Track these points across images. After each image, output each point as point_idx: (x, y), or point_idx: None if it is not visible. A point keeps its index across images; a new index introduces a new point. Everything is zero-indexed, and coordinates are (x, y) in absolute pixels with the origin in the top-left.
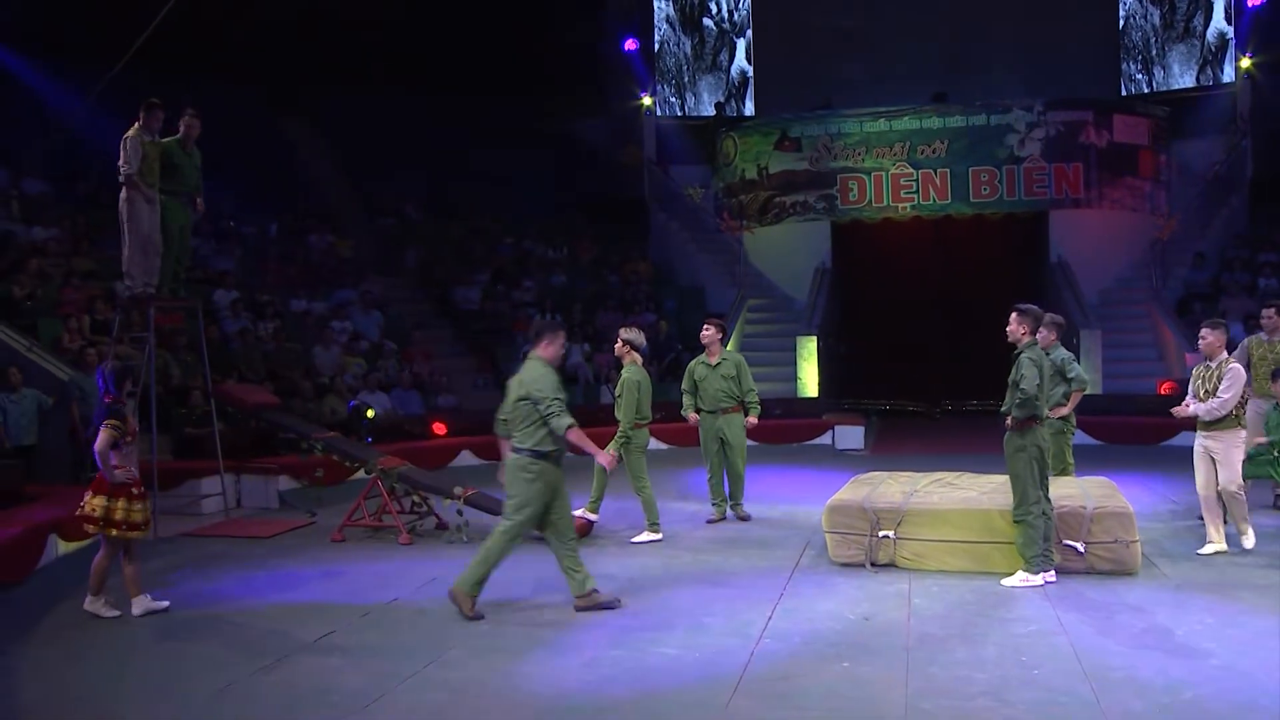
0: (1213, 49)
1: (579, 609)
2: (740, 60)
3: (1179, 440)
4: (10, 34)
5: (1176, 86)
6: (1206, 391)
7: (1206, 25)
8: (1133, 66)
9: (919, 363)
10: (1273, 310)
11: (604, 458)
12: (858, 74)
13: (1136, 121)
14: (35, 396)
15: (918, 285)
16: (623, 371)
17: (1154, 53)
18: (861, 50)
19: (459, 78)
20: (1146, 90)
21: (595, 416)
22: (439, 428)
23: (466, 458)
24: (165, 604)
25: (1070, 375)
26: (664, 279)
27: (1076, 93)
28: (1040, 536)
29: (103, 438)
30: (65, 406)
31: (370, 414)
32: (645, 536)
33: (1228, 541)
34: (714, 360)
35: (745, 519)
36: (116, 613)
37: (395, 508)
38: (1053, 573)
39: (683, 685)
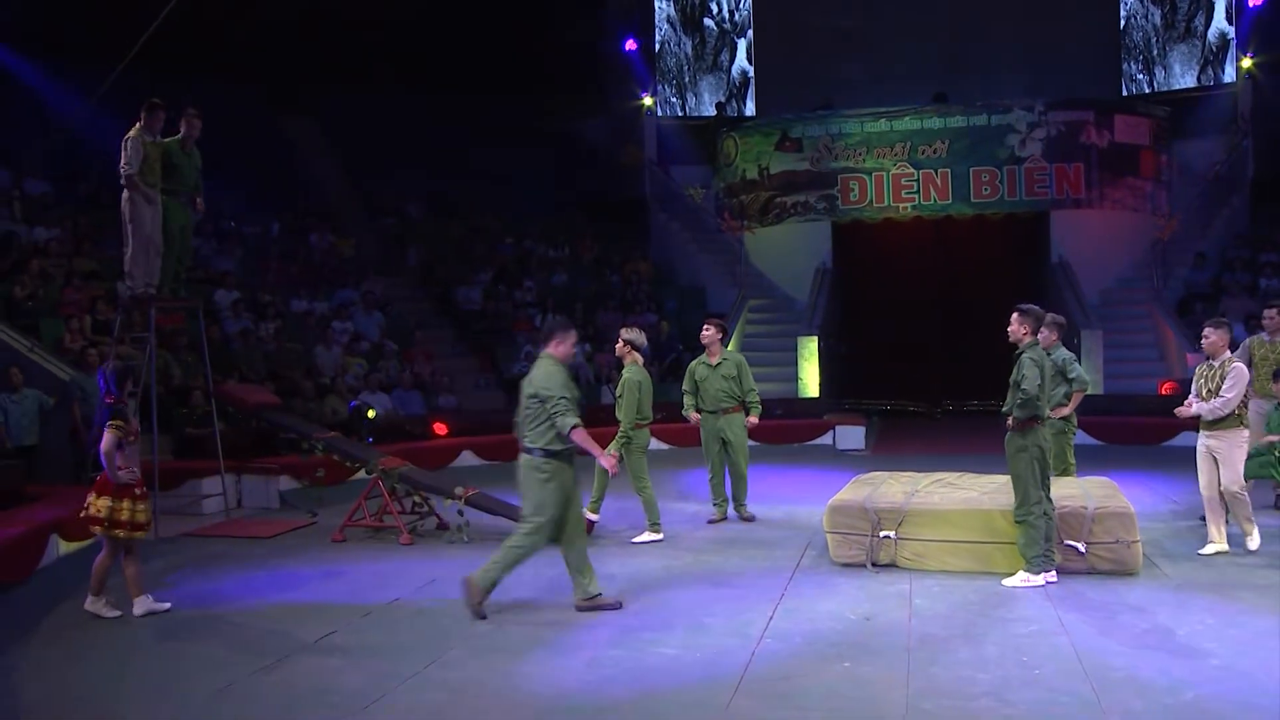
0: (1214, 49)
1: (579, 609)
2: (741, 60)
3: (1180, 440)
4: (11, 34)
5: (1177, 86)
6: (1209, 391)
7: (1207, 25)
8: (1134, 66)
9: (920, 363)
10: (1274, 310)
11: (606, 460)
12: (858, 74)
13: (1137, 121)
14: (36, 397)
15: (918, 285)
16: (623, 372)
17: (1155, 53)
18: (862, 50)
19: (459, 77)
20: (1147, 90)
21: (596, 416)
22: (440, 428)
23: (467, 458)
24: (167, 605)
25: (1071, 376)
26: (665, 279)
27: (1077, 93)
28: (1041, 537)
29: (108, 439)
30: (66, 407)
31: (371, 414)
32: (646, 537)
33: (1230, 542)
34: (714, 360)
35: (749, 520)
36: (117, 613)
37: (396, 508)
38: (1054, 573)
39: (683, 685)
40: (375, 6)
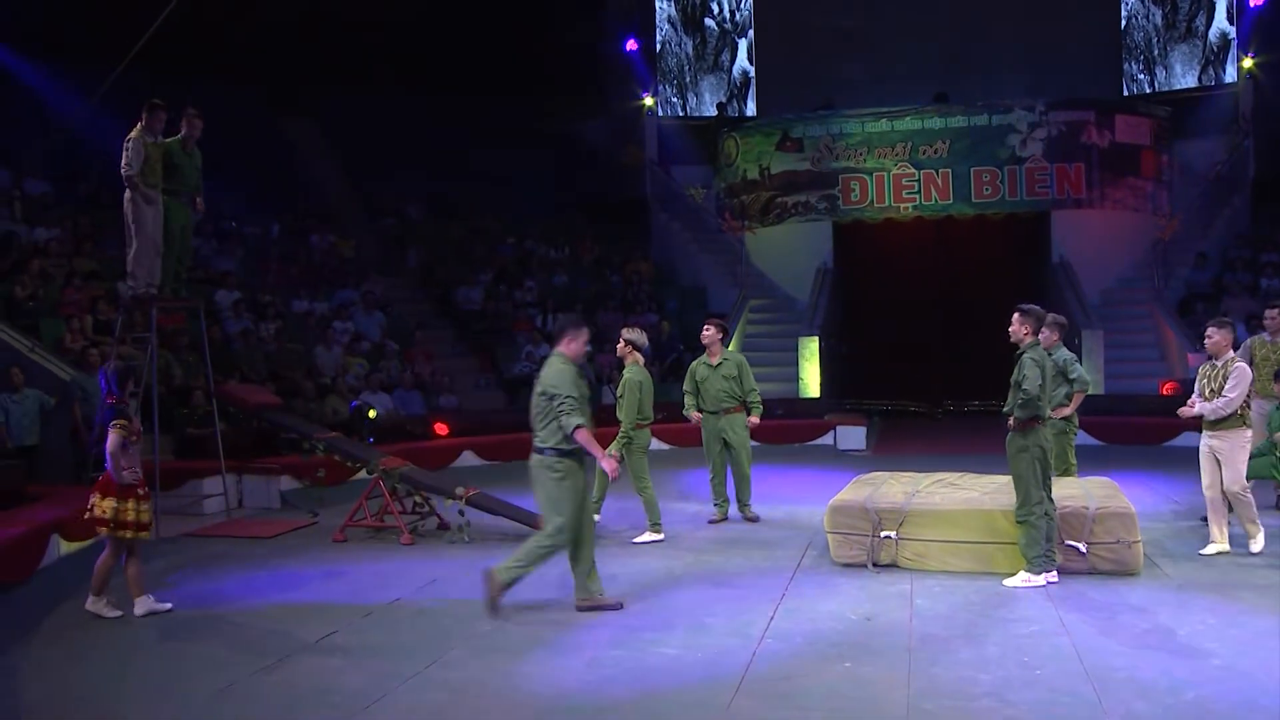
0: (1215, 49)
1: (580, 609)
2: (742, 60)
3: (1181, 440)
4: (11, 34)
5: (1178, 86)
6: (1212, 391)
7: (1208, 25)
8: (1135, 66)
9: (921, 363)
10: (1276, 310)
11: (606, 464)
12: (859, 74)
13: (1138, 121)
14: (37, 397)
15: (919, 285)
16: (624, 372)
17: (1156, 53)
18: (863, 50)
19: (460, 78)
20: (1148, 90)
21: (597, 417)
22: (441, 428)
23: (468, 458)
24: (168, 605)
25: (1072, 376)
26: (666, 279)
27: (1078, 93)
28: (1043, 537)
29: (113, 439)
30: (67, 407)
31: (372, 414)
32: (647, 537)
33: (1231, 542)
34: (715, 361)
35: (754, 520)
36: (118, 613)
37: (397, 508)
38: (1055, 573)
39: (684, 685)
40: (375, 8)
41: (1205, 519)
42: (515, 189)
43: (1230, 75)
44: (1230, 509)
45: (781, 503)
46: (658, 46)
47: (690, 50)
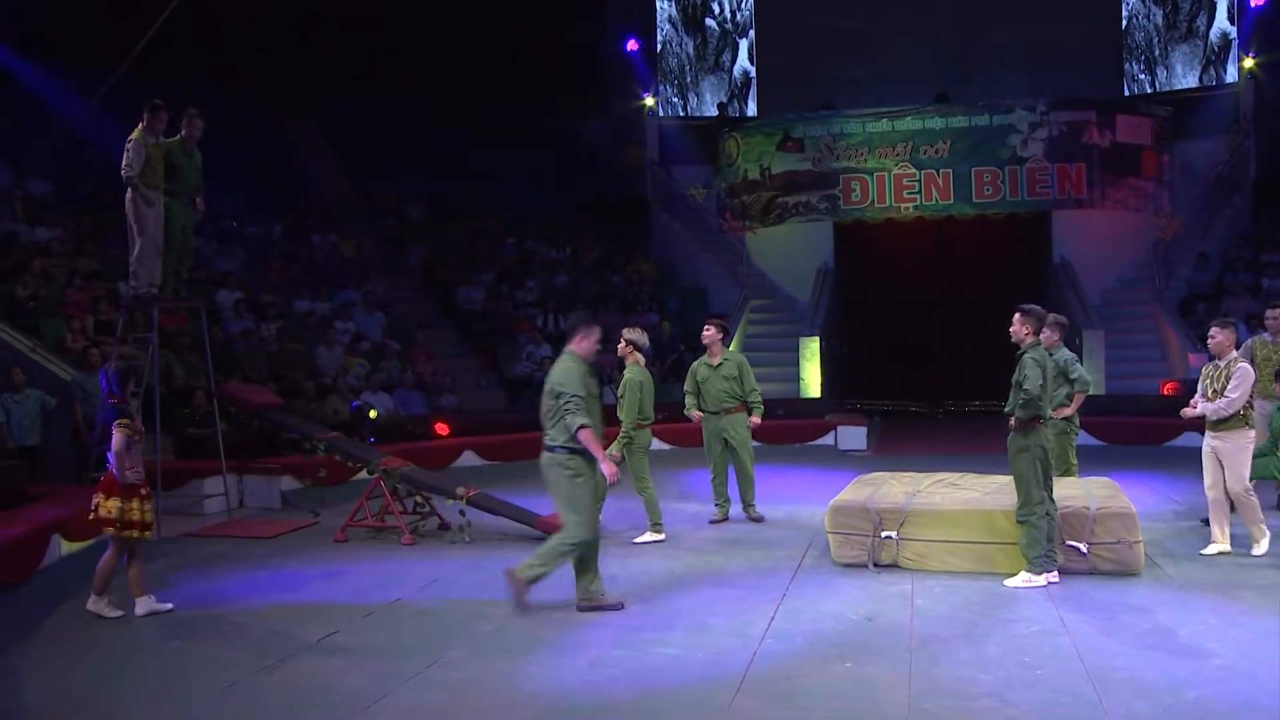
0: (1216, 49)
1: (581, 609)
2: (743, 60)
3: (1182, 440)
4: (11, 35)
5: (1179, 86)
6: (1215, 391)
7: (1209, 25)
8: (1135, 66)
9: (922, 363)
10: (1277, 310)
11: (606, 468)
12: (860, 74)
13: (1139, 121)
14: (38, 397)
15: (920, 286)
16: (625, 372)
17: (1157, 53)
18: (863, 50)
19: (460, 78)
20: (1149, 90)
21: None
22: (441, 428)
23: (469, 458)
24: (169, 605)
25: (1073, 376)
26: (666, 279)
27: (1079, 93)
28: (1044, 537)
29: (118, 438)
30: (68, 407)
31: (373, 414)
32: (648, 537)
33: (1234, 542)
34: (716, 361)
35: (758, 520)
36: (119, 613)
37: (398, 508)
38: (1056, 573)
39: (685, 685)
40: (375, 8)
41: (1206, 520)
42: (516, 189)
43: (1231, 75)
44: (1233, 509)
45: (782, 503)
46: (658, 46)
47: (691, 50)
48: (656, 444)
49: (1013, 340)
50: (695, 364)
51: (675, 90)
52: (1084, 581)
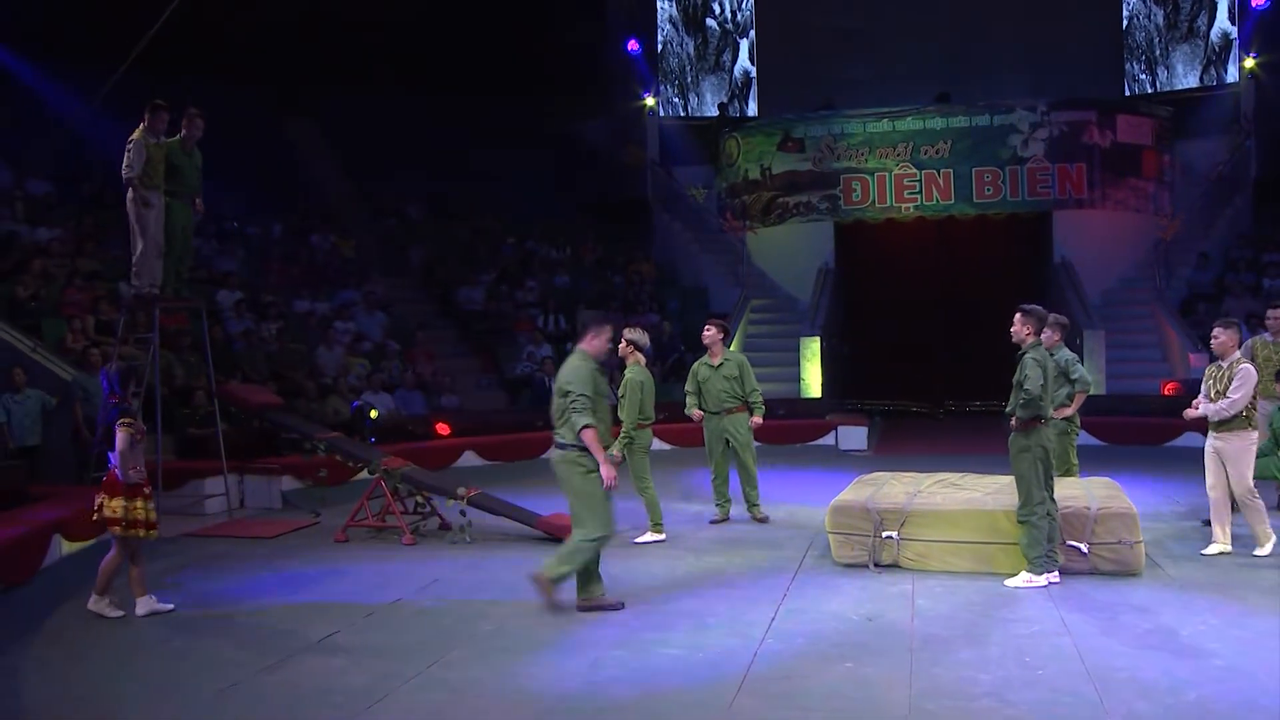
0: (1216, 49)
1: (581, 609)
2: (743, 60)
3: (1183, 441)
4: (12, 35)
5: (1180, 86)
6: (1217, 392)
7: (1210, 25)
8: (1136, 66)
9: (922, 363)
10: (1278, 310)
11: (605, 470)
12: (860, 74)
13: (1140, 122)
14: (39, 397)
15: (921, 286)
16: (626, 372)
17: (1157, 53)
18: (864, 50)
19: (460, 78)
20: (1150, 90)
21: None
22: (442, 428)
23: (470, 458)
24: (170, 605)
25: (1074, 376)
26: (667, 279)
27: (1079, 93)
28: (1044, 537)
29: (122, 438)
30: (69, 407)
31: (373, 414)
32: (648, 537)
33: (1235, 543)
34: (716, 361)
35: (763, 520)
36: (120, 613)
37: (398, 508)
38: (1057, 573)
39: (686, 685)
40: (375, 8)
41: (1207, 521)
42: (516, 189)
43: (1232, 75)
44: (1235, 510)
45: (783, 503)
46: (659, 46)
47: (691, 50)
48: (657, 444)
49: (1013, 340)
50: (696, 364)
51: (676, 90)
52: (1085, 581)
